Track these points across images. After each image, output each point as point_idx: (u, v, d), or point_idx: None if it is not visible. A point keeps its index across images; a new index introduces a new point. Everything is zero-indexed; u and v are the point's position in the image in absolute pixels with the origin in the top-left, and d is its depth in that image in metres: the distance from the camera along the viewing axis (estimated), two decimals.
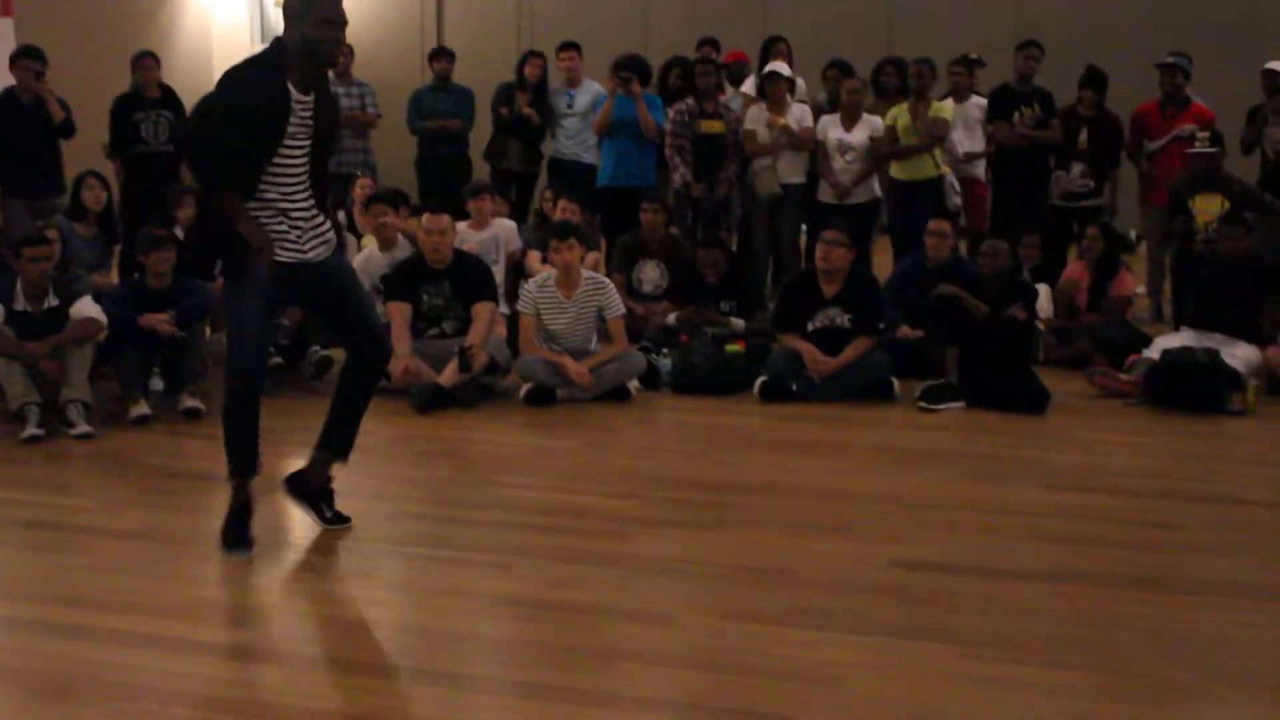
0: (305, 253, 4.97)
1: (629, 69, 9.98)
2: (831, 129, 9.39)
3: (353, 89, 10.95)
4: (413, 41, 14.40)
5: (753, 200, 9.62)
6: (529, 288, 7.60)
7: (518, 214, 10.56)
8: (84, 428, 6.62)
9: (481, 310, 7.53)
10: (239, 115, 4.75)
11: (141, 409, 6.89)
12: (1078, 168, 9.62)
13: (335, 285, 5.12)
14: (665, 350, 7.83)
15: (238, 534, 5.04)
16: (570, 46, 10.75)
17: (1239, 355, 7.64)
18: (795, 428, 7.04)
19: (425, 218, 7.68)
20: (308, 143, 4.91)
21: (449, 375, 7.28)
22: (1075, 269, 8.66)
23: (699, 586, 4.82)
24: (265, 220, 4.85)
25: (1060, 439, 6.88)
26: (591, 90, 10.71)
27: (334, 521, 5.33)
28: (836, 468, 6.33)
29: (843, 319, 7.60)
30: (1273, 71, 9.28)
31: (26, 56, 9.05)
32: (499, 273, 9.01)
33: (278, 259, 4.84)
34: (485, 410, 7.31)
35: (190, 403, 7.00)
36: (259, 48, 14.69)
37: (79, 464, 6.27)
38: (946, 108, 9.34)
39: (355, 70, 11.30)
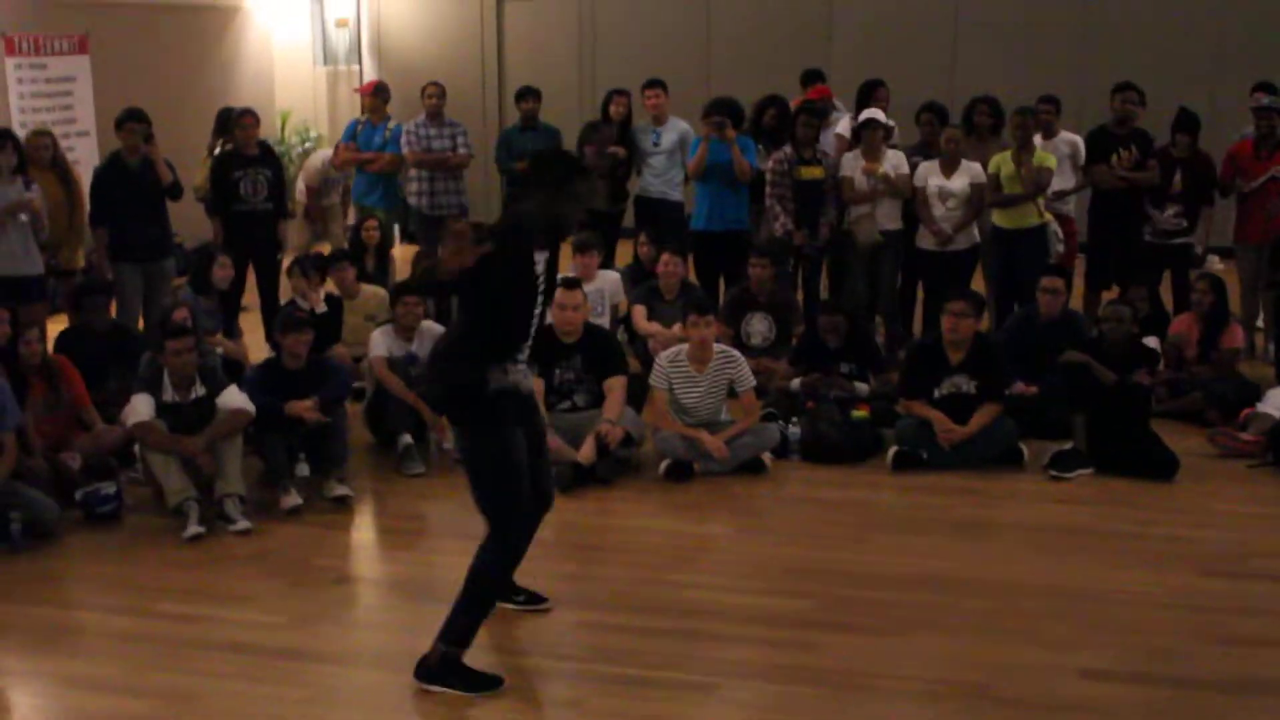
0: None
1: (721, 112, 10.03)
2: (931, 176, 9.44)
3: (444, 129, 10.96)
4: (473, 78, 14.40)
5: (851, 247, 9.69)
6: (662, 362, 7.67)
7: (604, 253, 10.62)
8: (243, 523, 6.70)
9: (615, 385, 7.61)
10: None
11: (293, 499, 6.97)
12: (1171, 208, 9.67)
13: (533, 432, 5.25)
14: (794, 419, 7.90)
15: (480, 677, 5.07)
16: (656, 84, 10.79)
17: None
18: (936, 504, 7.14)
19: (559, 292, 7.71)
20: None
21: (587, 452, 7.36)
22: (1184, 321, 8.74)
23: (905, 708, 4.95)
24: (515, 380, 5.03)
25: (1197, 511, 6.99)
26: (678, 128, 10.77)
27: (529, 603, 5.65)
28: (992, 553, 6.45)
29: (969, 385, 7.69)
30: None
31: (131, 120, 9.06)
32: (604, 323, 9.10)
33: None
34: (625, 486, 7.41)
35: (340, 490, 7.08)
36: (321, 71, 14.93)
37: (249, 568, 6.34)
38: (1050, 157, 9.39)
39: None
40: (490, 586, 5.11)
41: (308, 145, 14.23)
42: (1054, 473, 7.45)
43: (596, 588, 6.06)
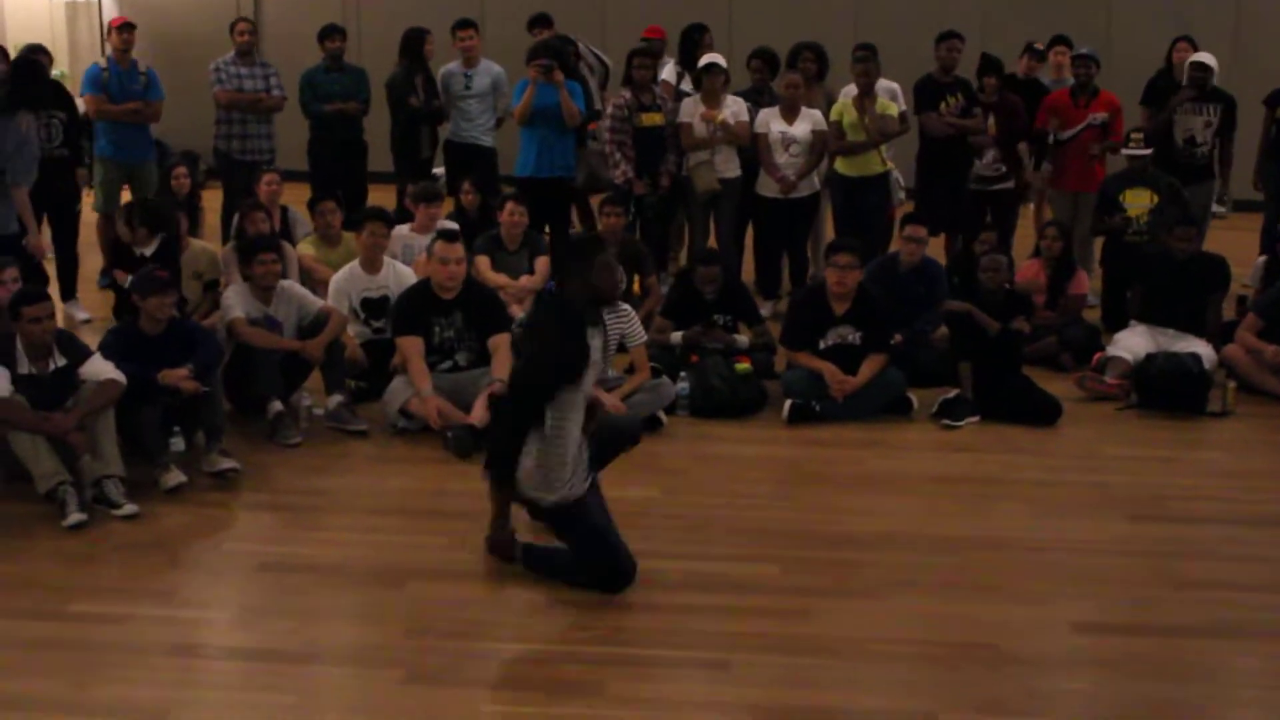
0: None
1: (549, 56, 9.66)
2: (773, 122, 9.31)
3: (256, 70, 10.19)
4: (228, 13, 13.44)
5: (691, 195, 9.48)
6: None
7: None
8: (130, 507, 6.01)
9: (500, 342, 7.22)
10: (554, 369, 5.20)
11: (176, 476, 6.29)
12: (989, 153, 9.85)
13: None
14: (682, 373, 7.66)
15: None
16: (468, 24, 10.35)
17: (1201, 353, 8.06)
18: (844, 457, 7.05)
19: (439, 245, 7.25)
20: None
21: (479, 414, 6.96)
22: (1032, 268, 8.91)
23: (924, 672, 4.83)
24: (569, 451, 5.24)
25: (1093, 456, 7.14)
26: (491, 71, 10.35)
27: None
28: (921, 508, 6.38)
29: (854, 336, 7.63)
30: (1204, 65, 9.72)
31: None
32: None
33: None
34: None
35: (225, 464, 6.44)
36: (59, 1, 13.56)
37: (155, 557, 5.65)
38: (892, 105, 9.40)
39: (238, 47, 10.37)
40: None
41: None
42: (945, 421, 7.48)
43: None
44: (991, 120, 9.81)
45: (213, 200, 10.34)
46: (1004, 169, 9.89)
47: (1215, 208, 10.16)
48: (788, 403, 7.46)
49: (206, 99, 10.40)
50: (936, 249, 9.72)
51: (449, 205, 9.81)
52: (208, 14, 13.76)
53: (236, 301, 7.32)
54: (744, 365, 7.77)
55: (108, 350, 6.56)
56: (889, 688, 4.73)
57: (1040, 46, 10.52)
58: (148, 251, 7.95)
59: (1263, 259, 9.27)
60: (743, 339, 8.08)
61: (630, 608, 5.24)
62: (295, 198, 9.84)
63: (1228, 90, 9.94)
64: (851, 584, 5.52)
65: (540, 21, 10.79)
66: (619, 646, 4.95)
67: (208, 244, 8.57)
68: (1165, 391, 7.76)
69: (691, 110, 9.35)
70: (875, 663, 4.90)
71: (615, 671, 4.78)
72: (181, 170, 9.23)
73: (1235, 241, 10.10)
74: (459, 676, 4.76)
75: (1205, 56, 9.85)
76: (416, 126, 10.25)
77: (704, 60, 9.42)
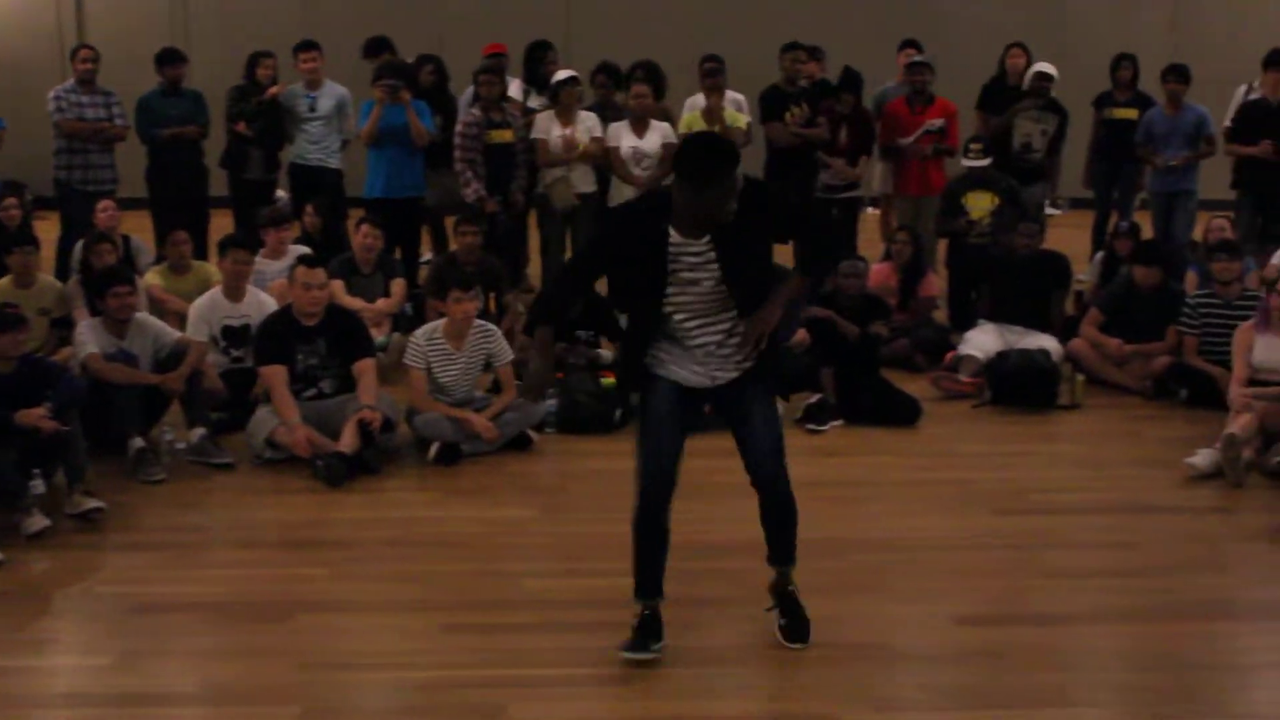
0: (713, 379, 4.96)
1: (395, 76, 9.62)
2: (624, 137, 9.36)
3: (98, 98, 9.92)
4: (48, 38, 13.08)
5: (548, 212, 9.49)
6: (418, 340, 7.26)
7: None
8: None
9: (365, 367, 7.15)
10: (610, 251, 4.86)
11: (40, 521, 6.07)
12: (838, 162, 10.05)
13: (738, 410, 5.11)
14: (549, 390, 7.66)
15: (637, 643, 5.00)
16: (311, 46, 10.21)
17: (1048, 348, 8.35)
18: (714, 467, 6.95)
19: (301, 270, 7.17)
20: (709, 282, 4.70)
21: (349, 441, 6.88)
22: (883, 271, 9.11)
23: (820, 673, 4.93)
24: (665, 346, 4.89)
25: (953, 454, 7.36)
26: (335, 92, 10.25)
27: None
28: (803, 512, 6.12)
29: None
30: (1046, 74, 10.08)
31: None
32: None
33: (678, 381, 4.93)
34: (395, 475, 6.98)
35: (89, 504, 6.25)
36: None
37: (25, 606, 5.47)
38: (741, 117, 9.54)
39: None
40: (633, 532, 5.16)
41: None
42: (810, 426, 7.62)
43: (439, 588, 5.63)
44: (844, 131, 10.01)
45: (47, 232, 10.04)
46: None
47: (1049, 210, 10.52)
48: None
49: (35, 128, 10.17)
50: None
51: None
52: (29, 37, 13.41)
53: (90, 337, 7.12)
54: (609, 380, 7.80)
55: None
56: (788, 692, 4.84)
57: None
58: None
59: (1100, 255, 9.62)
60: (606, 354, 8.12)
61: (526, 628, 5.24)
62: (135, 225, 9.63)
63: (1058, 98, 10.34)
64: (737, 592, 5.57)
65: (379, 46, 10.74)
66: (519, 668, 4.95)
67: (53, 280, 8.30)
68: (1018, 387, 8.01)
69: (546, 126, 9.36)
70: (771, 668, 5.00)
71: (517, 693, 4.78)
72: (12, 201, 8.93)
73: (1066, 239, 10.44)
74: (357, 708, 4.73)
75: (1047, 66, 10.22)
76: (246, 148, 10.07)
77: (560, 75, 9.45)
